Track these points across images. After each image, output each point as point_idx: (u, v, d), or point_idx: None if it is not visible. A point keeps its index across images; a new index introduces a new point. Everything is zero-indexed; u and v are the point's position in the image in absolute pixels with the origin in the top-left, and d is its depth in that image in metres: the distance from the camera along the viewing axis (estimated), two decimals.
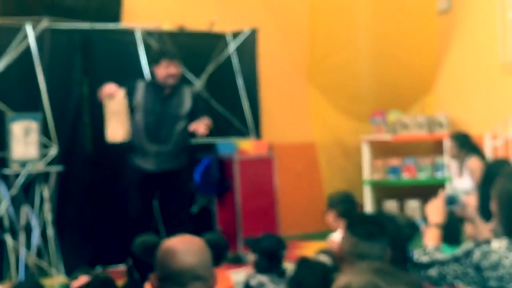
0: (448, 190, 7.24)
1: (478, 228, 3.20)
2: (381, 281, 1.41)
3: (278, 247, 3.78)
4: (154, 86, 5.80)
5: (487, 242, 2.57)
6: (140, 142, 5.77)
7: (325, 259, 3.05)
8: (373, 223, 2.55)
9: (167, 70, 5.70)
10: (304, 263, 2.98)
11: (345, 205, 4.30)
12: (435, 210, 2.95)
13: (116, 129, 5.69)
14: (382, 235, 2.52)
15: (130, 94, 5.80)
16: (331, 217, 4.29)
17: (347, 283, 1.43)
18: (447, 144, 7.29)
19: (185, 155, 5.93)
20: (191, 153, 6.17)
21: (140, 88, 5.82)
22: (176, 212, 5.88)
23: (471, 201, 3.20)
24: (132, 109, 5.80)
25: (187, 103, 5.83)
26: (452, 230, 3.98)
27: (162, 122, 5.76)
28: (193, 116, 5.79)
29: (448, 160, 6.92)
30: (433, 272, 2.71)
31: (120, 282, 3.85)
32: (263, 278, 3.66)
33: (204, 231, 6.14)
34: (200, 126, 5.59)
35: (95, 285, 3.25)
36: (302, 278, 2.91)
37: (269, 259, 3.72)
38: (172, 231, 5.64)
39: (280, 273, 3.68)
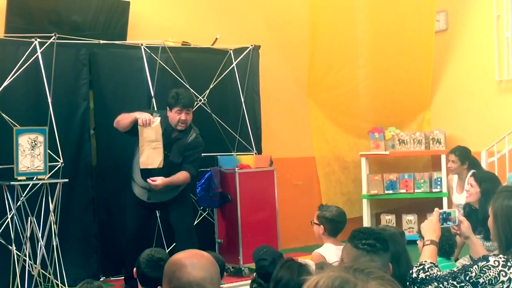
0: (445, 206, 7.32)
1: (473, 246, 3.18)
2: (351, 276, 1.35)
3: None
4: (165, 126, 5.80)
5: (485, 258, 2.59)
6: (136, 175, 5.89)
7: (308, 262, 3.07)
8: (375, 237, 2.55)
9: (178, 117, 5.77)
10: (285, 263, 3.02)
11: (336, 224, 4.19)
12: (430, 228, 2.96)
13: (153, 156, 5.73)
14: (384, 249, 2.53)
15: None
16: (319, 231, 4.23)
17: (316, 280, 1.36)
18: (445, 160, 7.35)
19: (179, 187, 5.91)
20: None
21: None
22: (179, 228, 5.95)
23: (464, 218, 3.19)
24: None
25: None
26: (448, 246, 4.04)
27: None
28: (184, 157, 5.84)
29: (448, 176, 6.91)
30: None
31: None
32: None
33: (205, 244, 6.23)
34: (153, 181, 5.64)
35: None
36: (280, 276, 2.94)
37: (266, 280, 3.60)
38: (179, 246, 5.74)
39: None
